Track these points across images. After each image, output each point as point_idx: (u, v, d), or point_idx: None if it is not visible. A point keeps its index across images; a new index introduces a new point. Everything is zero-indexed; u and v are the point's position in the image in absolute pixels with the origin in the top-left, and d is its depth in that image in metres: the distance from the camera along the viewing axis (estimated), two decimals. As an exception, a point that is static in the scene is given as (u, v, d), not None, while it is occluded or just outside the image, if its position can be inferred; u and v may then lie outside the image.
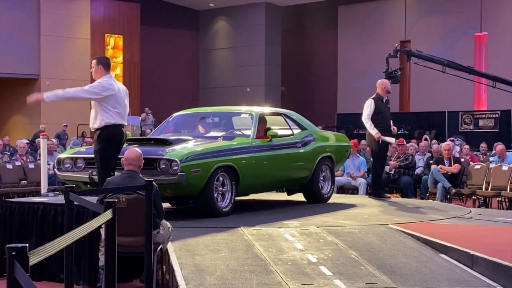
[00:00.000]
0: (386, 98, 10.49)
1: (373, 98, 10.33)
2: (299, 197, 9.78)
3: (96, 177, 7.46)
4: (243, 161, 8.15)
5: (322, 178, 9.57)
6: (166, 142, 8.05)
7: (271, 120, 9.26)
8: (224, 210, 7.91)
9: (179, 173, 7.35)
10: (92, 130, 7.48)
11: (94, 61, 7.47)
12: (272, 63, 31.30)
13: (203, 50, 33.12)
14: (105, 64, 7.51)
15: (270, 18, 31.24)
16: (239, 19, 31.61)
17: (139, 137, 8.55)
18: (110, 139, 7.29)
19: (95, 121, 7.33)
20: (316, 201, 9.49)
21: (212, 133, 8.94)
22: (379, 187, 10.51)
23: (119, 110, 7.33)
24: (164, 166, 7.43)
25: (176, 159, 7.39)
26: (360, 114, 10.41)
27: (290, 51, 32.92)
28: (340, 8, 31.44)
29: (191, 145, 7.97)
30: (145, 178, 5.83)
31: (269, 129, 8.76)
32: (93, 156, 7.50)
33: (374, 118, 10.22)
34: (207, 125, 9.34)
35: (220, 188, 7.90)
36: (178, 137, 8.49)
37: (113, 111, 7.28)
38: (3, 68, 25.47)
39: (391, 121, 10.54)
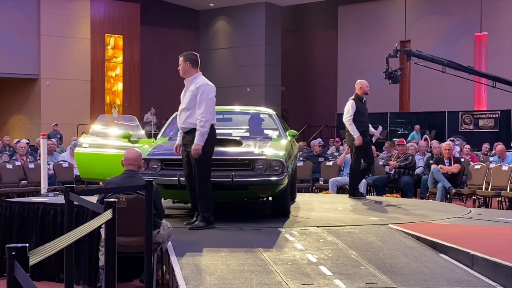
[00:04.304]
0: (365, 99, 10.43)
1: (353, 99, 10.24)
2: (299, 197, 9.80)
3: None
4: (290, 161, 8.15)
5: None
6: (236, 142, 7.78)
7: (270, 120, 9.28)
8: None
9: (284, 173, 7.25)
10: (190, 128, 7.02)
11: (181, 58, 7.11)
12: (272, 63, 31.26)
13: (203, 50, 33.06)
14: (193, 61, 7.15)
15: (270, 18, 31.19)
16: (239, 19, 31.57)
17: None
18: (214, 139, 7.03)
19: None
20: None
21: (235, 133, 8.81)
22: (357, 187, 10.48)
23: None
24: (261, 167, 7.24)
25: (281, 159, 7.25)
26: None
27: (290, 51, 32.88)
28: (340, 8, 31.40)
29: (267, 145, 7.76)
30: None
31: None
32: (176, 157, 7.20)
33: (355, 119, 10.13)
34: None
35: None
36: (227, 137, 8.08)
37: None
38: (3, 68, 25.44)
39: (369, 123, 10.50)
